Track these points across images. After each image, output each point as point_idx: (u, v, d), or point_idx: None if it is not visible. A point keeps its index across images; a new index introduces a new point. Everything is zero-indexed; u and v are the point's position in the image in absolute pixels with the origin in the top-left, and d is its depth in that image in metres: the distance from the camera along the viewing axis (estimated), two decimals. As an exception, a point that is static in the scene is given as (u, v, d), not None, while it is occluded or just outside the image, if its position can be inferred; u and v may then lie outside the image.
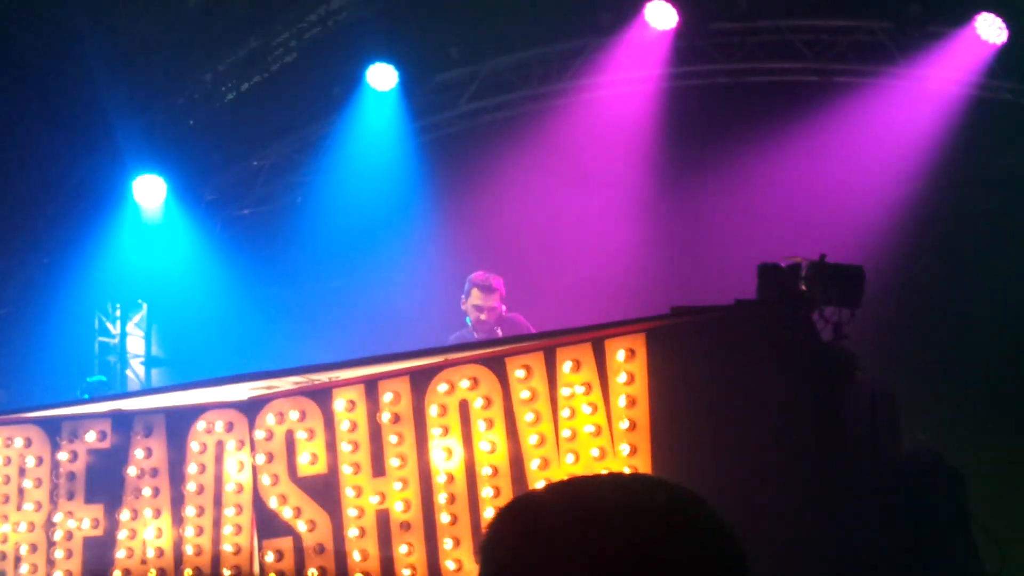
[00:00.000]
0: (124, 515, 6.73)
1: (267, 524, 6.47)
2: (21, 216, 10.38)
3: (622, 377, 6.00)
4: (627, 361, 6.00)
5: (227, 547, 6.54)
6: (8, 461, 6.98)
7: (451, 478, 6.20)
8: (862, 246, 7.86)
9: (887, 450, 6.19)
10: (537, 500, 1.32)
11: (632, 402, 5.97)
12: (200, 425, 6.65)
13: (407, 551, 6.22)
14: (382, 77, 10.32)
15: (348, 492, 6.35)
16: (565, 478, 1.37)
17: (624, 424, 5.97)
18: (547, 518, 1.27)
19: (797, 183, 9.51)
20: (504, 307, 7.83)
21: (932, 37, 9.45)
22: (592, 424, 6.02)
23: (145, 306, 10.65)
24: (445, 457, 6.23)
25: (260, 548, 6.48)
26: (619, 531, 1.25)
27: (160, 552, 6.66)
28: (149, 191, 10.42)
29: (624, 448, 5.95)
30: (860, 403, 6.13)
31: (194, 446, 6.65)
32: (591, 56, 10.11)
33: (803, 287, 6.13)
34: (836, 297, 6.16)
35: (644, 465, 5.92)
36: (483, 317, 7.74)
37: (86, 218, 10.46)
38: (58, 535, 6.83)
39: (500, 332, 7.68)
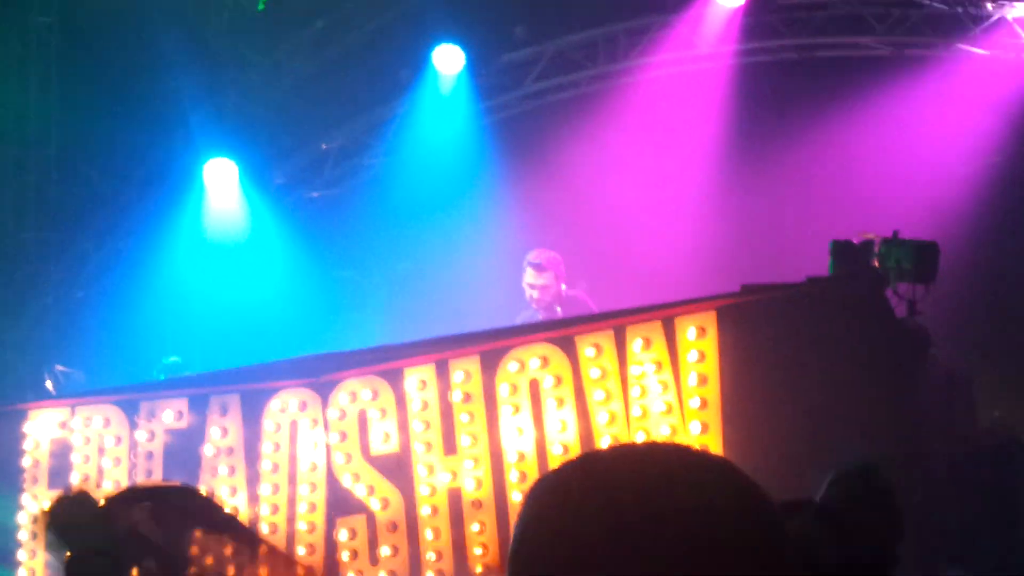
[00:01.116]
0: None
1: (341, 502, 6.54)
2: (97, 200, 10.55)
3: (692, 355, 5.98)
4: (698, 339, 5.99)
5: (301, 525, 6.63)
6: (88, 441, 7.12)
7: (521, 457, 6.23)
8: (935, 222, 7.75)
9: (963, 428, 6.12)
10: (562, 479, 1.31)
11: (703, 380, 5.96)
12: (274, 404, 6.74)
13: (479, 529, 6.27)
14: (448, 58, 10.34)
15: (420, 470, 6.40)
16: (582, 454, 1.35)
17: (695, 402, 5.96)
18: (572, 497, 1.26)
19: (869, 158, 9.40)
20: (563, 285, 7.76)
21: (1007, 7, 9.28)
22: (662, 402, 6.02)
23: (220, 288, 10.79)
24: (516, 436, 6.26)
25: (334, 526, 6.56)
26: (641, 504, 1.23)
27: (236, 530, 6.77)
28: (220, 174, 10.54)
29: (695, 426, 5.94)
30: (935, 381, 6.06)
31: (268, 425, 6.74)
32: (658, 34, 10.06)
33: (876, 263, 6.08)
34: (910, 273, 6.10)
35: (715, 443, 5.91)
36: (535, 295, 7.69)
37: (160, 201, 10.61)
38: (137, 513, 6.96)
39: (560, 311, 7.65)
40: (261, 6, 10.18)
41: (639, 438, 6.00)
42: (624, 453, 1.31)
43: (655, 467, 1.26)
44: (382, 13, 10.54)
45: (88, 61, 10.20)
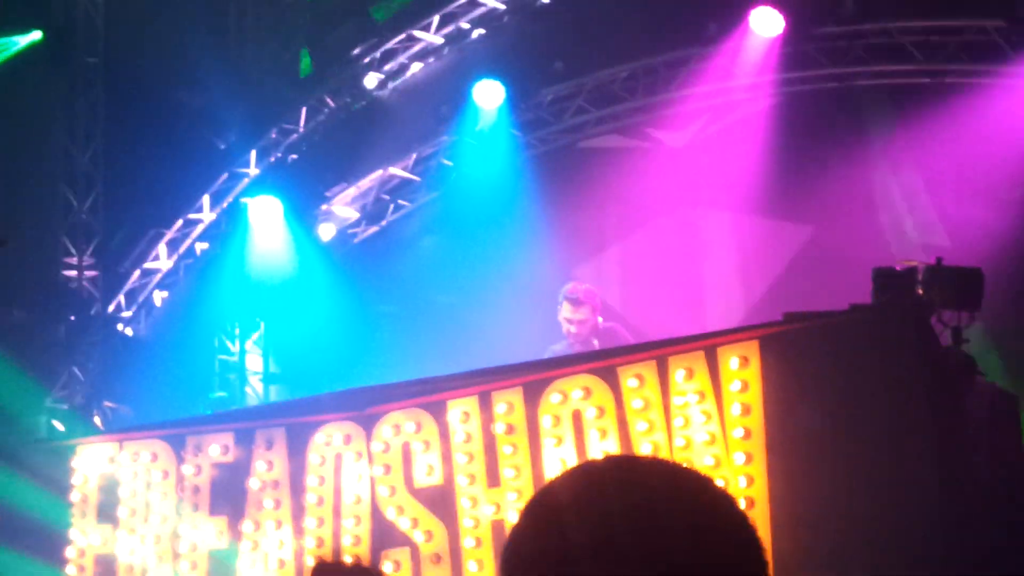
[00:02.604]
0: (247, 527, 6.89)
1: (385, 535, 6.57)
2: (143, 238, 10.70)
3: (735, 385, 5.97)
4: (740, 368, 5.98)
5: (346, 558, 6.66)
6: (135, 475, 7.20)
7: (566, 488, 6.23)
8: (978, 249, 7.70)
9: (1008, 454, 6.06)
10: (552, 497, 1.33)
11: (746, 410, 5.94)
12: (319, 438, 6.79)
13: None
14: (489, 93, 10.42)
15: (464, 503, 6.42)
16: (576, 467, 1.37)
17: (738, 432, 5.94)
18: (563, 516, 1.27)
19: (912, 186, 9.36)
20: (600, 318, 7.72)
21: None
22: (706, 432, 6.00)
23: (263, 325, 10.89)
24: (559, 467, 6.26)
25: (379, 559, 6.58)
26: (631, 524, 1.25)
27: (282, 563, 6.81)
28: (265, 212, 10.66)
29: (739, 456, 5.92)
30: (979, 408, 6.01)
31: (313, 458, 6.78)
32: (697, 65, 10.08)
33: (920, 291, 6.05)
34: (953, 300, 6.06)
35: (759, 474, 5.88)
36: (573, 330, 7.58)
37: (205, 239, 10.74)
38: (183, 547, 7.02)
39: (597, 344, 7.61)
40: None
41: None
42: (612, 469, 1.33)
43: (641, 485, 1.27)
44: (424, 49, 10.64)
45: (134, 100, 10.37)
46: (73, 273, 10.55)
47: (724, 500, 1.31)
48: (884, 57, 9.87)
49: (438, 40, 10.53)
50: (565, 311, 7.63)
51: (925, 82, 9.75)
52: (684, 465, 1.38)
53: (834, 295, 6.46)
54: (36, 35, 10.39)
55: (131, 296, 10.79)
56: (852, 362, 5.87)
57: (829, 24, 9.80)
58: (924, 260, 6.31)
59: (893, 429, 5.67)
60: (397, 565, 6.52)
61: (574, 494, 1.29)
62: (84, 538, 7.25)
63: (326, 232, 11.16)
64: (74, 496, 7.32)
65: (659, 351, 6.25)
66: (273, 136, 10.83)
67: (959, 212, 8.87)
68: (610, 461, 1.36)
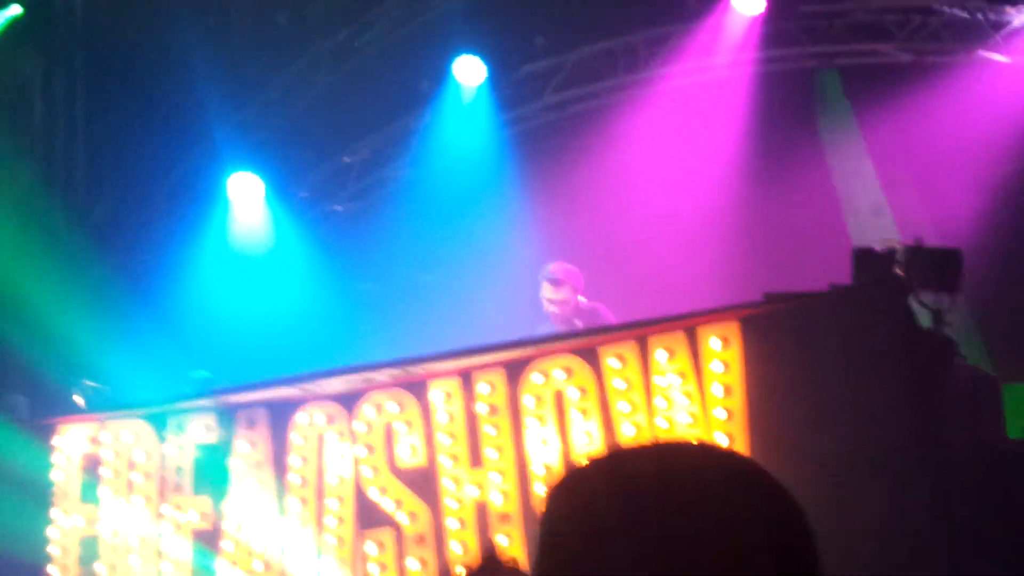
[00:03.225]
0: (230, 506, 6.89)
1: (368, 515, 6.59)
2: (121, 216, 10.64)
3: (716, 365, 6.00)
4: (722, 349, 6.01)
5: (329, 538, 6.68)
6: (117, 455, 7.19)
7: (548, 469, 6.26)
8: (959, 229, 7.74)
9: (989, 436, 6.11)
10: (583, 477, 1.31)
11: (727, 391, 5.97)
12: (301, 418, 6.79)
13: (507, 542, 6.30)
14: (469, 70, 10.38)
15: (447, 483, 6.44)
16: (607, 451, 1.35)
17: (720, 413, 5.98)
18: (596, 495, 1.24)
19: (891, 166, 9.39)
20: (581, 297, 7.71)
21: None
22: (687, 413, 6.04)
23: (244, 303, 10.86)
24: (541, 448, 6.29)
25: (361, 539, 6.60)
26: (668, 503, 1.23)
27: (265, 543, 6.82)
28: (245, 188, 10.61)
29: (720, 437, 5.96)
30: (960, 389, 6.06)
31: (296, 438, 6.79)
32: (677, 43, 10.08)
33: (899, 271, 6.07)
34: (933, 281, 6.08)
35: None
36: (553, 310, 7.57)
37: (185, 216, 10.69)
38: (166, 527, 7.02)
39: (579, 324, 7.60)
40: None
41: (664, 449, 6.00)
42: (649, 454, 1.31)
43: (684, 472, 1.25)
44: (403, 25, 10.59)
45: (112, 77, 10.29)
46: (53, 250, 10.48)
47: (771, 484, 1.28)
48: (864, 36, 9.89)
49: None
50: (546, 291, 7.62)
51: (905, 61, 9.77)
52: (728, 450, 1.35)
53: (814, 275, 6.49)
54: (16, 9, 10.28)
55: (111, 274, 10.73)
56: (832, 342, 5.90)
57: (811, 2, 9.81)
58: (904, 240, 6.33)
59: (873, 409, 5.71)
60: (381, 546, 6.55)
61: (610, 479, 1.26)
62: (66, 518, 7.24)
63: (306, 209, 11.13)
64: (56, 476, 7.30)
65: (639, 331, 6.27)
66: (253, 112, 10.77)
67: (939, 191, 8.90)
68: (646, 447, 1.32)
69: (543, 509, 1.29)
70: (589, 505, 1.25)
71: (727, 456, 1.31)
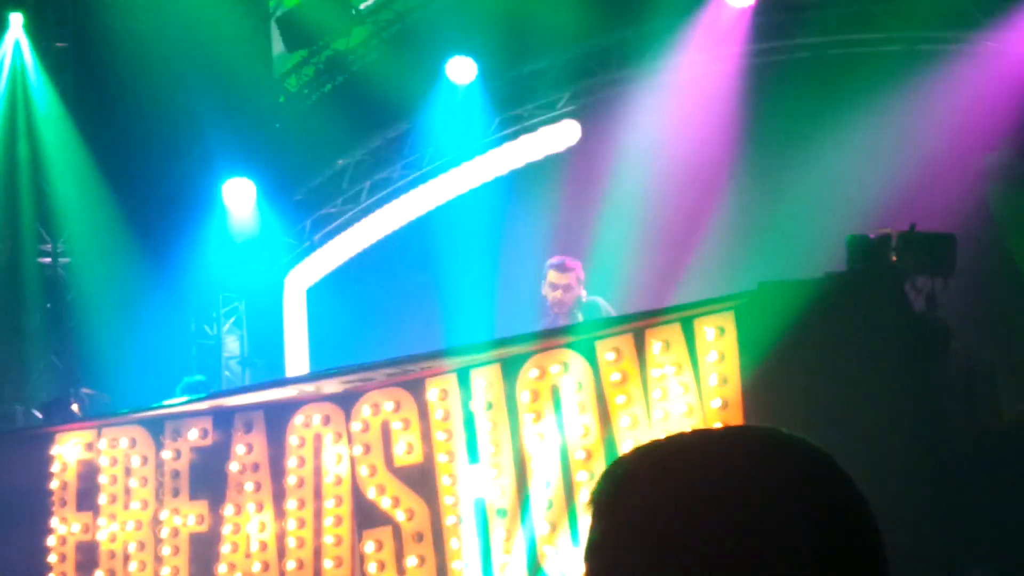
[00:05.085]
0: (228, 510, 6.88)
1: (366, 514, 6.57)
2: (117, 223, 10.63)
3: (712, 356, 5.98)
4: (717, 339, 5.99)
5: (328, 538, 6.66)
6: (114, 462, 7.18)
7: (545, 463, 6.24)
8: (953, 215, 7.72)
9: (985, 421, 6.09)
10: (662, 451, 1.26)
11: (723, 380, 5.95)
12: (298, 419, 6.78)
13: (504, 537, 6.28)
14: (461, 70, 10.37)
15: (444, 480, 6.42)
16: (685, 431, 1.31)
17: (716, 403, 5.96)
18: (676, 469, 1.21)
19: (884, 154, 9.37)
20: (583, 291, 7.70)
21: (1019, 1, 9.24)
22: (684, 404, 6.01)
23: (241, 307, 10.85)
24: (538, 442, 6.27)
25: (360, 538, 6.58)
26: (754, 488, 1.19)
27: (263, 545, 6.80)
28: (239, 194, 10.61)
29: (717, 427, 5.93)
30: (955, 374, 6.04)
31: (293, 440, 6.77)
32: (669, 38, 10.07)
33: (893, 257, 6.06)
34: (928, 267, 6.07)
35: (738, 443, 5.89)
36: (558, 296, 7.51)
37: (179, 222, 10.68)
38: (165, 532, 7.00)
39: (581, 317, 7.59)
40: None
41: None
42: (722, 437, 1.27)
43: (752, 464, 1.22)
44: (394, 28, 10.59)
45: (105, 85, 10.29)
46: (48, 260, 10.48)
47: (843, 474, 1.26)
48: (856, 25, 9.87)
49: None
50: (551, 277, 7.53)
51: (897, 50, 9.76)
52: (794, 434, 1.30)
53: (809, 263, 6.47)
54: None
55: (106, 281, 10.72)
56: (828, 330, 5.88)
57: (800, -7, 9.80)
58: (897, 227, 6.31)
59: (869, 396, 5.69)
60: (379, 544, 6.53)
61: (681, 449, 1.23)
62: (64, 526, 7.22)
63: (302, 213, 11.12)
64: (53, 484, 7.29)
65: (635, 324, 6.25)
66: (246, 117, 10.77)
67: (931, 179, 8.88)
68: (710, 434, 1.29)
69: (601, 499, 1.24)
70: (666, 477, 1.21)
71: (801, 446, 1.28)
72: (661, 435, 1.27)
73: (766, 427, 1.31)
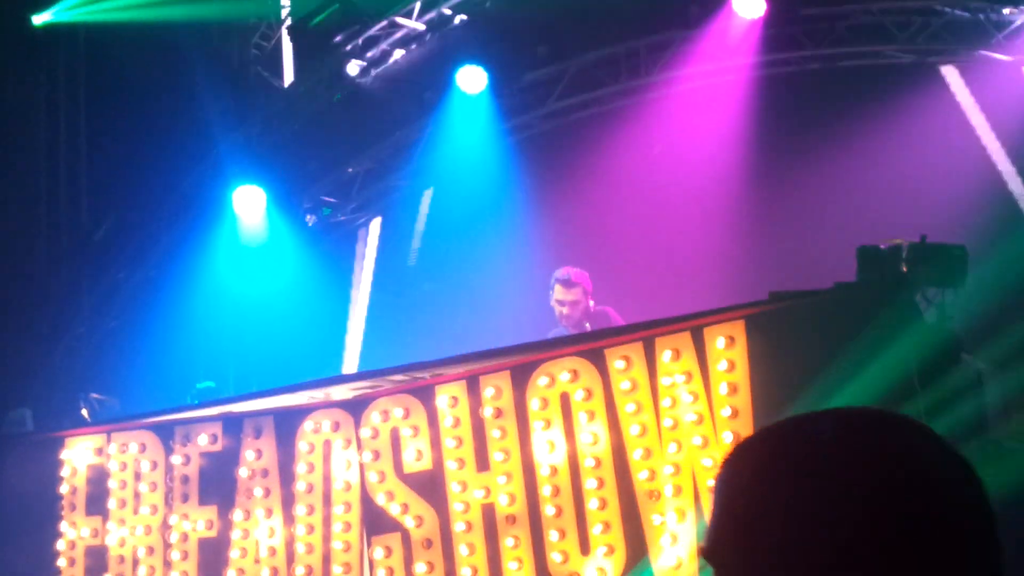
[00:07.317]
0: (237, 515, 6.89)
1: (375, 521, 6.58)
2: (127, 230, 10.67)
3: (722, 364, 5.99)
4: (727, 348, 5.99)
5: (337, 544, 6.67)
6: (124, 467, 7.19)
7: (554, 470, 6.24)
8: (964, 227, 7.72)
9: (997, 430, 6.09)
10: (809, 430, 1.27)
11: (733, 389, 5.95)
12: (308, 425, 6.79)
13: (513, 544, 6.28)
14: (471, 79, 10.40)
15: (454, 487, 6.42)
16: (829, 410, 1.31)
17: (726, 412, 5.96)
18: (823, 447, 1.24)
19: (895, 165, 9.38)
20: (591, 302, 7.75)
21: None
22: (693, 412, 6.02)
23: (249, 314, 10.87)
24: (548, 450, 6.27)
25: (369, 544, 6.59)
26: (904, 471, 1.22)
27: (272, 551, 6.81)
28: (249, 201, 10.63)
29: (727, 436, 5.94)
30: (966, 384, 6.03)
31: (302, 446, 6.79)
32: (679, 49, 10.08)
33: (904, 268, 6.06)
34: (938, 277, 6.07)
35: (748, 452, 5.89)
36: (565, 311, 7.63)
37: (189, 229, 10.72)
38: (174, 537, 7.02)
39: (589, 327, 7.64)
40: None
41: (671, 449, 5.99)
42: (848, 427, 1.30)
43: (889, 444, 1.26)
44: (406, 35, 10.61)
45: (116, 95, 10.34)
46: (60, 265, 10.52)
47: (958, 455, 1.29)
48: (866, 38, 9.88)
49: (420, 27, 10.50)
50: (557, 293, 7.66)
51: (907, 63, 9.77)
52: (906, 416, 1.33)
53: (819, 273, 6.47)
54: None
55: (117, 288, 10.76)
56: (837, 340, 5.88)
57: (812, 5, 9.81)
58: (908, 238, 6.32)
59: (879, 406, 5.69)
60: (388, 551, 6.53)
61: (827, 431, 1.27)
62: (74, 531, 7.24)
63: (310, 221, 11.14)
64: (63, 488, 7.31)
65: (645, 332, 6.26)
66: (256, 125, 10.80)
67: (943, 191, 8.89)
68: (839, 416, 1.33)
69: (734, 480, 1.26)
70: (812, 456, 1.24)
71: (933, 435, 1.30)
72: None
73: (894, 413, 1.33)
